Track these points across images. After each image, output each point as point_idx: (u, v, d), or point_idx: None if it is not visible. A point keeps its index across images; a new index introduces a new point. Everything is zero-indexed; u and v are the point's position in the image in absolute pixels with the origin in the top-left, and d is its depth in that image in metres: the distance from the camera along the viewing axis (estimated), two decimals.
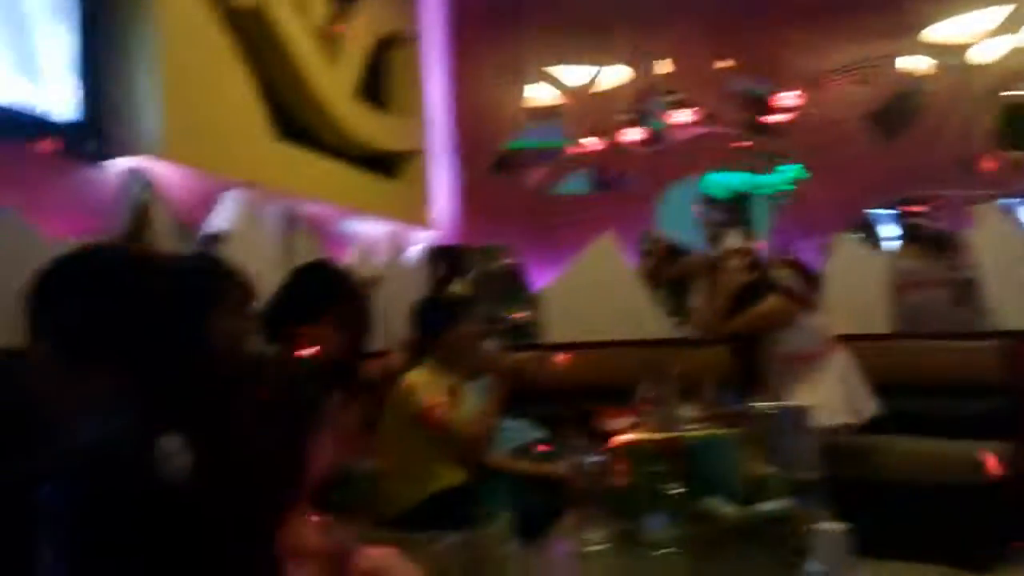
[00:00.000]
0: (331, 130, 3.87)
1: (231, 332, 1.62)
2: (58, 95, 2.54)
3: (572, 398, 3.83)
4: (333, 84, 3.80)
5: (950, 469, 3.62)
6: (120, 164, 2.69)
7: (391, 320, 4.18)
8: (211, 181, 3.03)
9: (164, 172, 2.77)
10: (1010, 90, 4.52)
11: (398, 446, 2.92)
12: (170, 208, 2.75)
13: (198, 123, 2.90)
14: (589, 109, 5.04)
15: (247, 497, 1.50)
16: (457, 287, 4.65)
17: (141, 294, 1.41)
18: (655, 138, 5.10)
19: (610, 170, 5.32)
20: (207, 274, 1.65)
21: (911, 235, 4.59)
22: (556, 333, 3.89)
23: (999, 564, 3.54)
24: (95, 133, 2.65)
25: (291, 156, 3.48)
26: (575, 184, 5.16)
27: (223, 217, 3.05)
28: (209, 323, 1.49)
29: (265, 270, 3.14)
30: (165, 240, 2.63)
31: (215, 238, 1.93)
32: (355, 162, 4.04)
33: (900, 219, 4.80)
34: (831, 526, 0.93)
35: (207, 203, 3.04)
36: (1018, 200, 4.43)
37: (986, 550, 3.54)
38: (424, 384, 2.90)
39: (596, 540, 1.88)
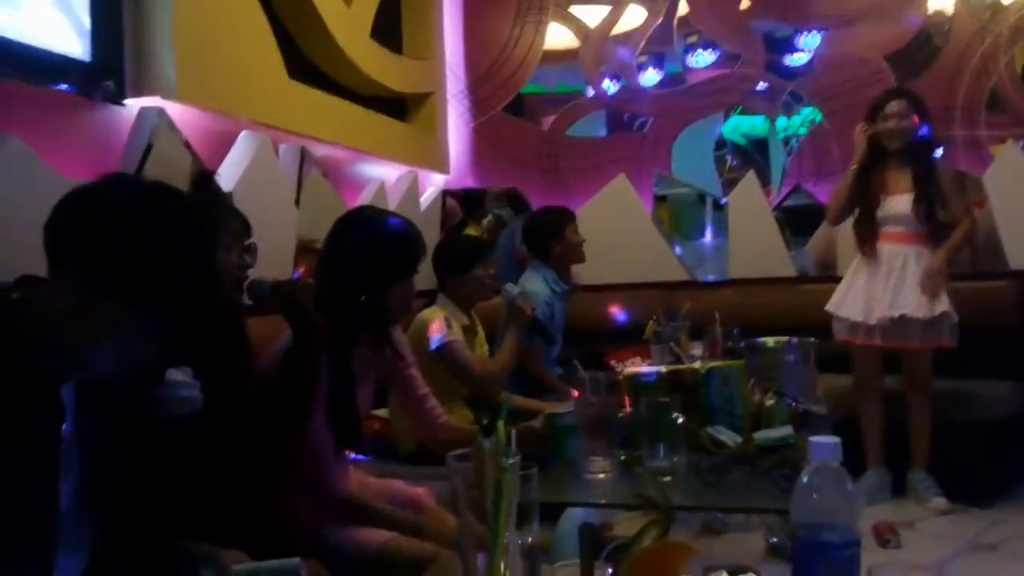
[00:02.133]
0: (345, 71, 3.86)
1: (231, 265, 1.65)
2: (72, 36, 2.56)
3: (585, 339, 3.89)
4: (348, 24, 3.79)
5: (955, 408, 3.66)
6: (135, 105, 2.71)
7: None
8: (225, 122, 3.05)
9: (178, 113, 2.79)
10: None
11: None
12: (184, 148, 2.77)
13: (212, 63, 2.91)
14: (606, 51, 4.98)
15: (254, 429, 1.55)
16: (472, 230, 4.69)
17: (152, 227, 1.44)
18: (672, 80, 5.05)
19: (626, 113, 5.28)
20: (213, 208, 1.68)
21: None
22: None
23: (1003, 501, 3.60)
24: (110, 74, 2.66)
25: (305, 97, 3.49)
26: (590, 127, 5.13)
27: (236, 158, 3.08)
28: (217, 257, 1.52)
29: (278, 211, 3.19)
30: (179, 180, 2.66)
31: (209, 176, 1.94)
32: (369, 104, 4.03)
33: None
34: (824, 437, 0.96)
35: (221, 144, 3.07)
36: None
37: (991, 487, 3.60)
38: (441, 320, 2.95)
39: (601, 468, 1.94)
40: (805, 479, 0.98)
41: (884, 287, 3.49)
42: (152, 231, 1.40)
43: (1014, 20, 4.38)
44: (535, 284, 3.48)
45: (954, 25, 4.51)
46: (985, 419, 3.64)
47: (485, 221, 5.00)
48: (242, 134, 3.13)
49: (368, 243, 1.94)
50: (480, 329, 3.21)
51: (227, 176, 3.01)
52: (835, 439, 0.99)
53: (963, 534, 3.22)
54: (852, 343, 3.59)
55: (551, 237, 3.57)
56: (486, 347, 3.29)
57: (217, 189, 2.81)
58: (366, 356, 1.97)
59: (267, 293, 1.66)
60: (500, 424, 1.02)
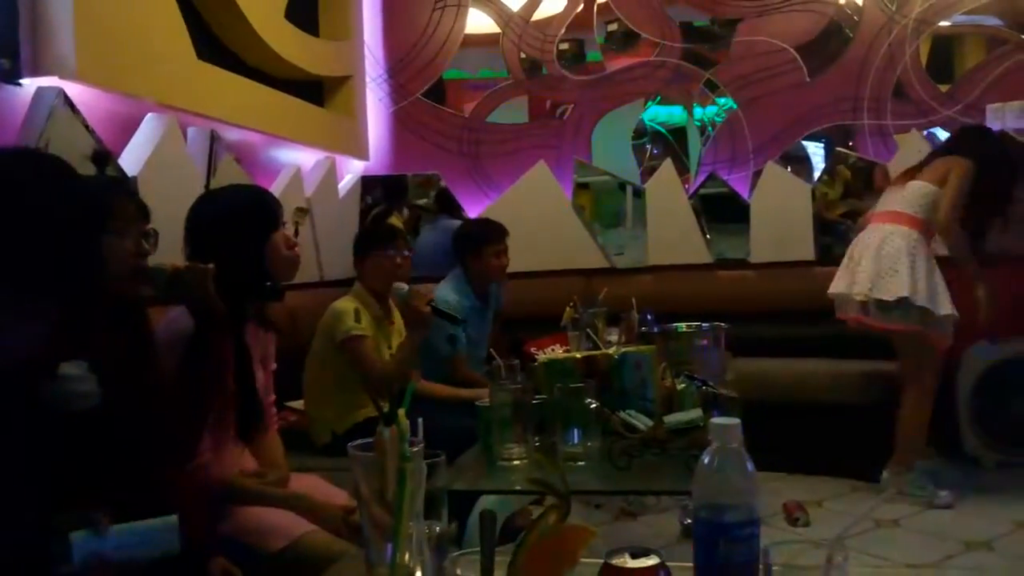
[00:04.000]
0: (258, 52, 3.75)
1: (128, 252, 1.59)
2: None
3: (505, 327, 3.90)
4: (261, 3, 3.67)
5: (861, 388, 3.80)
6: (31, 85, 2.58)
7: (322, 251, 4.15)
8: (129, 104, 2.93)
9: (78, 93, 2.66)
10: (939, 21, 4.59)
11: (323, 373, 2.95)
12: (85, 131, 2.66)
13: (115, 42, 2.79)
14: (526, 37, 4.97)
15: (151, 422, 1.50)
16: (395, 220, 4.64)
17: (39, 214, 1.36)
18: (592, 68, 5.07)
19: (546, 99, 5.29)
20: (105, 193, 1.61)
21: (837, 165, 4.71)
22: None
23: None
24: (4, 52, 2.53)
25: (215, 79, 3.37)
26: (511, 113, 5.12)
27: (141, 141, 2.97)
28: (105, 244, 1.45)
29: (187, 196, 3.08)
30: (80, 164, 2.55)
31: (106, 156, 1.87)
32: (284, 87, 3.93)
33: (826, 149, 4.90)
34: (725, 419, 0.97)
35: (125, 127, 2.95)
36: (942, 129, 4.54)
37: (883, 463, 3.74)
38: (350, 312, 2.92)
39: (515, 454, 1.94)
40: (706, 460, 0.99)
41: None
42: (26, 205, 1.32)
43: (919, 12, 4.53)
44: (450, 294, 3.47)
45: (863, 17, 4.64)
46: (889, 399, 3.78)
47: (421, 202, 4.96)
48: (147, 116, 3.01)
49: (224, 212, 1.96)
50: (398, 319, 3.17)
51: (131, 160, 2.90)
52: (735, 420, 1.00)
53: (868, 513, 3.34)
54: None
55: (469, 250, 3.55)
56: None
57: (117, 171, 2.72)
58: (252, 335, 1.94)
59: (164, 281, 1.60)
60: (401, 412, 1.00)
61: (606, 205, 5.20)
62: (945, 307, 3.38)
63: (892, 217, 3.54)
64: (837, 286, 3.61)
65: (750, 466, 0.99)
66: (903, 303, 3.37)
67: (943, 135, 4.54)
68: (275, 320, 2.07)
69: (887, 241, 3.46)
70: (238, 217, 1.96)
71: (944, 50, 4.79)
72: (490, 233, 3.61)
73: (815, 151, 4.92)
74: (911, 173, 3.65)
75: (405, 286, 2.76)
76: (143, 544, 1.26)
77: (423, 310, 2.67)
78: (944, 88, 4.59)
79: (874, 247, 3.48)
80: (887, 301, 3.39)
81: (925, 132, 4.53)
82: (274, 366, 2.12)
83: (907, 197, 3.54)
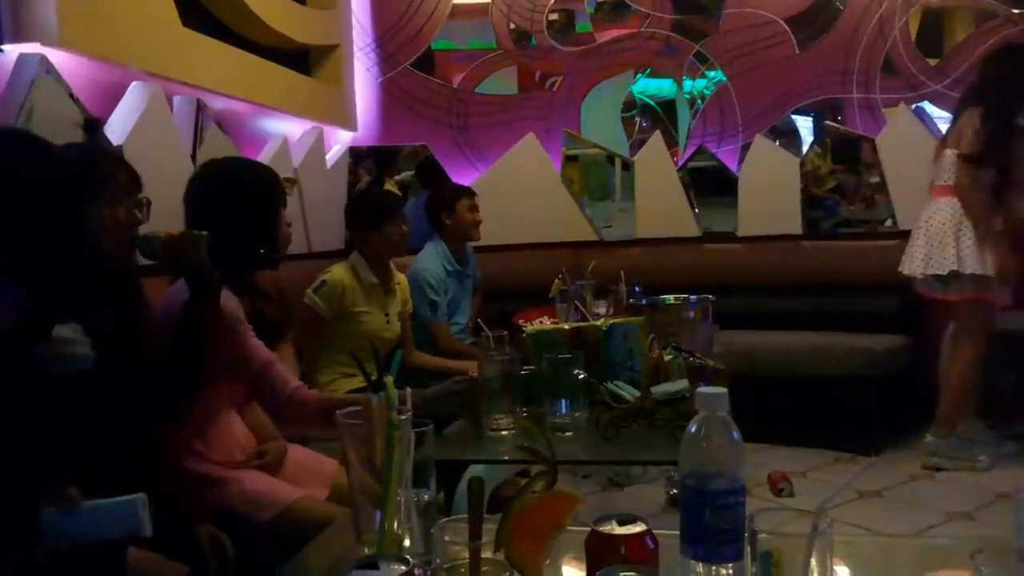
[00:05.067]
0: (244, 20, 3.70)
1: (120, 221, 1.59)
2: None
3: (493, 299, 3.90)
4: None
5: (847, 361, 3.83)
6: (13, 52, 2.54)
7: (310, 223, 4.13)
8: (114, 72, 2.89)
9: (62, 61, 2.62)
10: None
11: (314, 340, 2.96)
12: (70, 99, 2.62)
13: (98, 8, 2.74)
14: (516, 7, 4.93)
15: (144, 386, 1.50)
16: (389, 185, 4.63)
17: (28, 182, 1.38)
18: (582, 39, 5.04)
19: (535, 71, 5.25)
20: (94, 162, 1.60)
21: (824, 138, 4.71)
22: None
23: (888, 449, 3.80)
24: None
25: (200, 46, 3.33)
26: (500, 84, 5.09)
27: (126, 110, 2.94)
28: (99, 212, 1.46)
29: (173, 165, 3.06)
30: (64, 132, 2.52)
31: (96, 124, 1.86)
32: (270, 55, 3.89)
33: (815, 122, 4.89)
34: (712, 388, 0.97)
35: (110, 95, 2.92)
36: (931, 103, 4.55)
37: (876, 436, 3.78)
38: (339, 283, 2.93)
39: (503, 425, 1.95)
40: (692, 429, 1.00)
41: None
42: (17, 179, 1.35)
43: None
44: (430, 262, 3.49)
45: None
46: (874, 372, 3.82)
47: (399, 176, 4.94)
48: (132, 85, 2.97)
49: (239, 184, 1.99)
50: (398, 288, 3.17)
51: (117, 129, 2.87)
52: (722, 390, 1.01)
53: (852, 482, 3.38)
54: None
55: (443, 209, 3.57)
56: (409, 305, 3.26)
57: (104, 140, 2.70)
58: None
59: (158, 248, 1.59)
60: (389, 379, 1.01)
61: (595, 178, 5.19)
62: (971, 266, 3.43)
63: (936, 191, 3.61)
64: (901, 266, 3.68)
65: (736, 434, 0.99)
66: (955, 275, 3.46)
67: (931, 109, 4.55)
68: (269, 290, 2.08)
69: (933, 216, 3.55)
70: (252, 191, 1.99)
71: (934, 24, 4.77)
72: (460, 189, 3.73)
73: (804, 125, 4.91)
74: (944, 142, 3.66)
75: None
76: (109, 523, 1.23)
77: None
78: (933, 62, 4.59)
79: (924, 224, 3.58)
80: (941, 275, 3.49)
81: (913, 106, 4.53)
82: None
83: (943, 167, 3.58)
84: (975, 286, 3.46)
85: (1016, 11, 4.39)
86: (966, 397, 3.62)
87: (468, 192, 3.68)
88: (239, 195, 1.95)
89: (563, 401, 1.93)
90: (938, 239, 3.50)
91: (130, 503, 1.22)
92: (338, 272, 2.98)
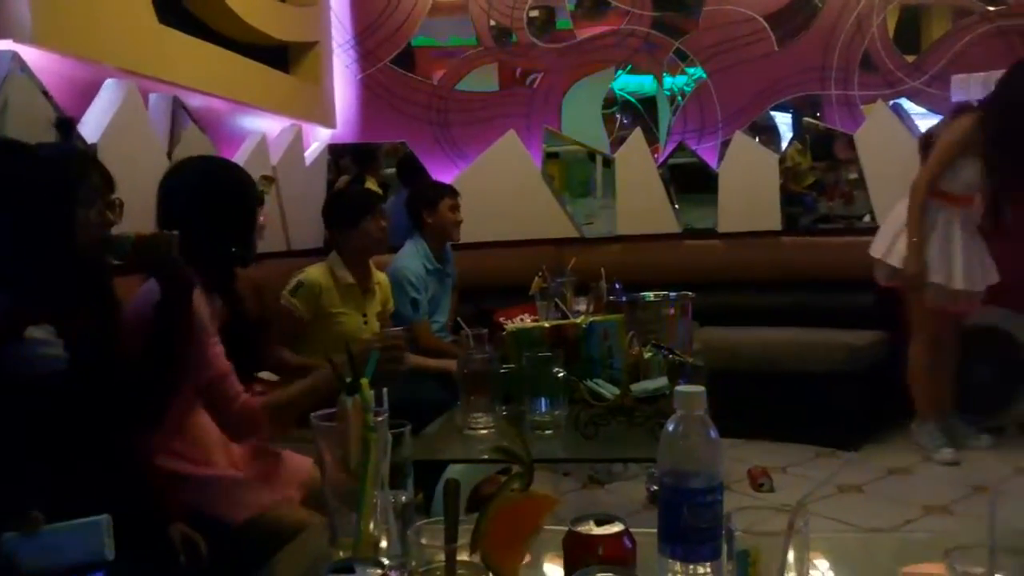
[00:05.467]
0: (221, 17, 3.68)
1: (92, 222, 1.57)
2: None
3: (474, 297, 3.89)
4: None
5: (826, 357, 3.85)
6: None
7: (289, 221, 4.11)
8: (88, 69, 2.86)
9: (35, 58, 2.59)
10: None
11: (294, 340, 2.94)
12: (43, 97, 2.59)
13: (72, 5, 2.71)
14: (496, 4, 4.92)
15: (117, 389, 1.49)
16: (371, 183, 4.61)
17: (5, 183, 1.38)
18: (562, 35, 5.03)
19: (516, 68, 5.24)
20: (67, 162, 1.58)
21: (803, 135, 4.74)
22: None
23: (867, 443, 3.83)
24: None
25: (177, 43, 3.29)
26: (480, 81, 5.07)
27: (101, 108, 2.90)
28: (72, 213, 1.44)
29: (148, 164, 3.03)
30: (38, 131, 2.49)
31: (70, 124, 1.83)
32: (248, 52, 3.86)
33: (794, 119, 4.91)
34: (690, 386, 0.97)
35: (84, 93, 2.88)
36: (908, 99, 4.57)
37: (856, 431, 3.82)
38: (314, 282, 2.91)
39: (483, 424, 1.94)
40: (670, 427, 1.00)
41: None
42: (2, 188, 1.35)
43: None
44: (410, 260, 3.47)
45: None
46: (854, 368, 3.84)
47: (381, 174, 4.92)
48: (107, 82, 2.94)
49: (217, 185, 1.95)
50: (377, 288, 3.16)
51: (91, 127, 2.84)
52: (700, 388, 1.01)
53: (828, 479, 3.40)
54: None
55: (424, 207, 3.55)
56: (390, 304, 3.25)
57: (77, 139, 2.67)
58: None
59: (129, 249, 1.57)
60: (365, 381, 1.00)
61: (576, 174, 5.19)
62: (937, 275, 3.49)
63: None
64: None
65: (713, 433, 0.99)
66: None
67: (909, 106, 4.58)
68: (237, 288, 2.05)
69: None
70: (225, 189, 1.96)
71: (911, 21, 4.80)
72: (443, 188, 3.69)
73: (783, 121, 4.93)
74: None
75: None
76: (71, 547, 1.15)
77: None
78: (911, 59, 4.61)
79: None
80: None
81: (891, 103, 4.55)
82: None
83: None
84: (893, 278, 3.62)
85: (992, 8, 4.42)
86: (926, 386, 3.67)
87: (451, 191, 3.65)
88: (212, 194, 1.92)
89: (543, 399, 1.92)
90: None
91: (92, 525, 1.15)
92: (314, 273, 2.96)
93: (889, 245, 3.60)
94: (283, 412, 1.81)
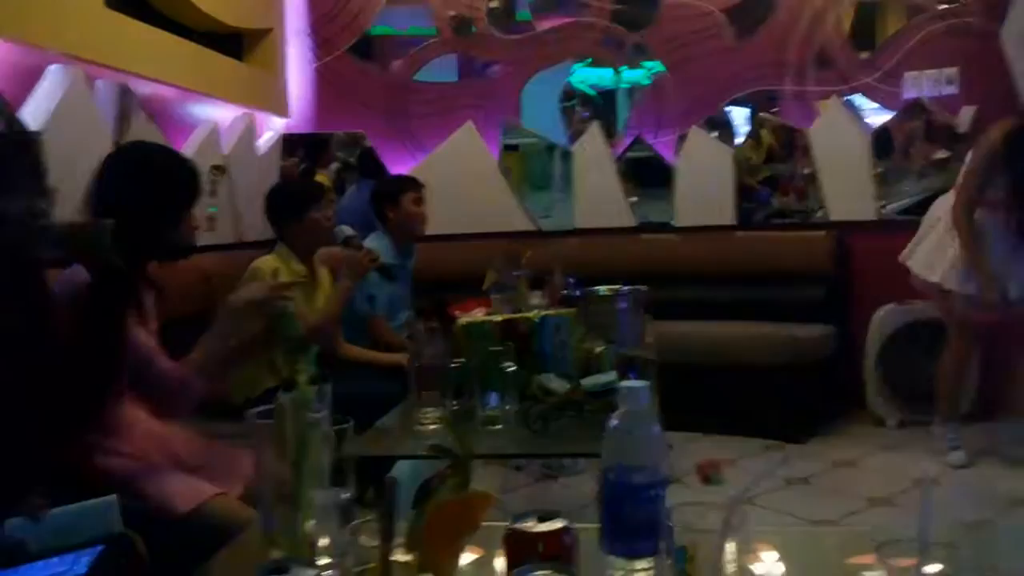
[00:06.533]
0: (173, 2, 3.60)
1: (22, 212, 1.51)
2: None
3: (430, 289, 3.86)
4: None
5: (776, 350, 3.90)
6: None
7: (240, 210, 4.04)
8: (31, 54, 2.78)
9: None
10: None
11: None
12: None
13: None
14: None
15: (50, 389, 1.44)
16: (321, 177, 4.55)
17: None
18: (522, 27, 5.01)
19: (474, 59, 5.21)
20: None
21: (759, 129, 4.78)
22: None
23: (815, 436, 3.89)
24: None
25: (125, 29, 3.21)
26: (438, 72, 5.04)
27: (43, 94, 2.82)
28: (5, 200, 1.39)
29: (94, 152, 2.95)
30: None
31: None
32: (200, 39, 3.78)
33: (750, 114, 4.95)
34: (634, 382, 0.97)
35: (27, 79, 2.80)
36: (862, 95, 4.63)
37: (805, 424, 3.87)
38: (270, 271, 2.85)
39: (433, 419, 1.93)
40: (614, 423, 1.00)
41: None
42: None
43: None
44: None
45: None
46: (802, 361, 3.89)
47: (332, 167, 4.86)
48: (51, 68, 2.86)
49: (154, 174, 1.89)
50: (324, 280, 3.12)
51: (34, 114, 2.76)
52: (643, 383, 1.01)
53: (780, 469, 3.44)
54: None
55: (387, 202, 3.50)
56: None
57: (16, 124, 2.58)
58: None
59: (59, 238, 1.52)
60: (302, 377, 0.98)
61: (534, 167, 5.18)
62: (949, 282, 3.44)
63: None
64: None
65: (656, 429, 0.99)
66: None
67: (862, 102, 4.64)
68: (155, 278, 2.00)
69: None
70: (164, 179, 1.89)
71: (867, 17, 4.85)
72: (405, 181, 3.63)
73: (739, 116, 4.97)
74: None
75: (348, 228, 2.92)
76: (83, 527, 1.21)
77: (364, 258, 2.81)
78: (865, 55, 4.67)
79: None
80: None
81: (844, 98, 4.61)
82: (155, 324, 2.05)
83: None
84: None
85: (944, 6, 4.49)
86: (954, 389, 3.62)
87: (413, 184, 3.57)
88: (146, 181, 1.86)
89: (493, 394, 1.92)
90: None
91: (104, 504, 1.25)
92: (270, 262, 2.91)
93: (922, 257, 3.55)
94: (207, 365, 1.79)
